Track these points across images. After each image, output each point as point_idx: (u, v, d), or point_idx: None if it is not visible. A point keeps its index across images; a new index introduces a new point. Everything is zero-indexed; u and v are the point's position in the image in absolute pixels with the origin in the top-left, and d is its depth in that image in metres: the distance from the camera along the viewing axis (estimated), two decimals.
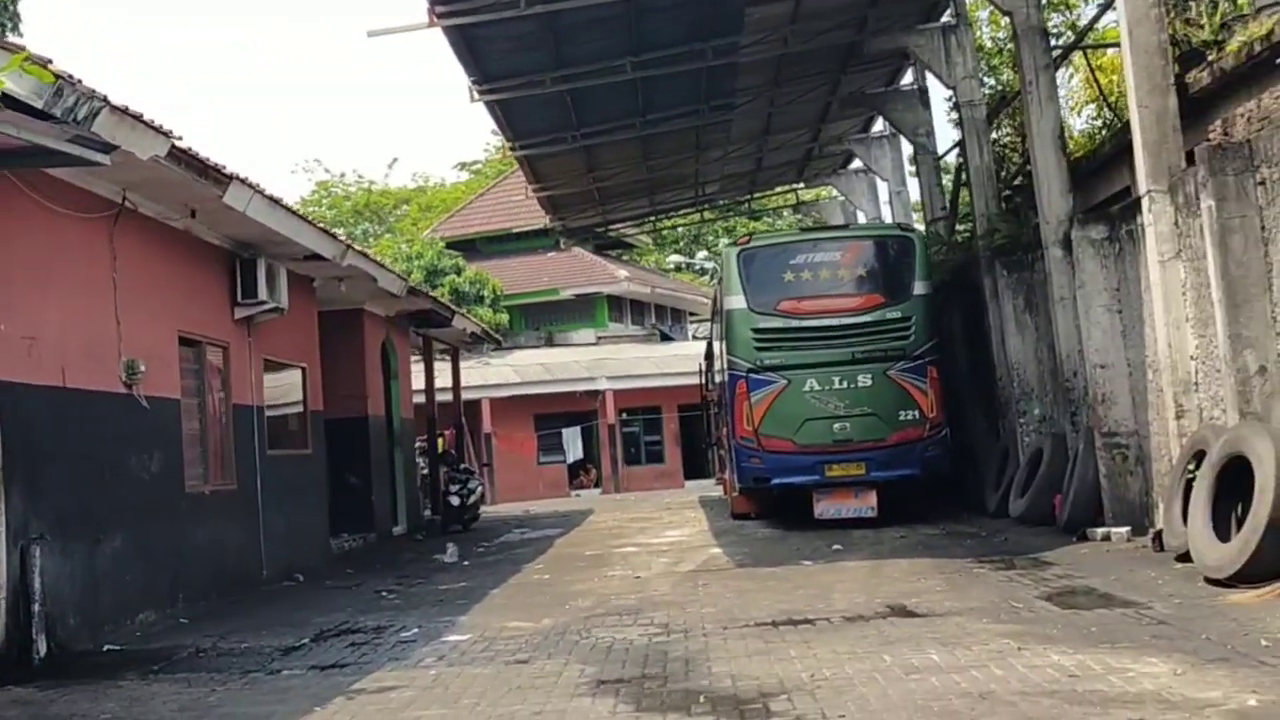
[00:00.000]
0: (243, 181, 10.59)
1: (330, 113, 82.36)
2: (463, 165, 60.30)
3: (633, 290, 38.64)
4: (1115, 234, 11.98)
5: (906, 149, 22.12)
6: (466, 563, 15.11)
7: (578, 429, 34.77)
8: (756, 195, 28.70)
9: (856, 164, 25.37)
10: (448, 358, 26.05)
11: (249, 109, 79.46)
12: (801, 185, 27.22)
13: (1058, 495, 13.34)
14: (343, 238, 13.69)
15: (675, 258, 53.47)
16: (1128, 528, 11.71)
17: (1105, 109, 15.71)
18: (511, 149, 19.50)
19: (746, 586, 10.64)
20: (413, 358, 26.44)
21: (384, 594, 12.14)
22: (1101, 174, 13.78)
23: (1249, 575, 7.99)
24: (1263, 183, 8.88)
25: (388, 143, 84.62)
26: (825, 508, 15.68)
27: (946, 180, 20.34)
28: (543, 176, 22.13)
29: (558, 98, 17.76)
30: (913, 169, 22.20)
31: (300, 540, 14.17)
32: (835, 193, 26.68)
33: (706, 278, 54.64)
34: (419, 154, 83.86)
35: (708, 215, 55.29)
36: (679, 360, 35.12)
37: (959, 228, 18.67)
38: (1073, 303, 13.21)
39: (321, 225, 13.00)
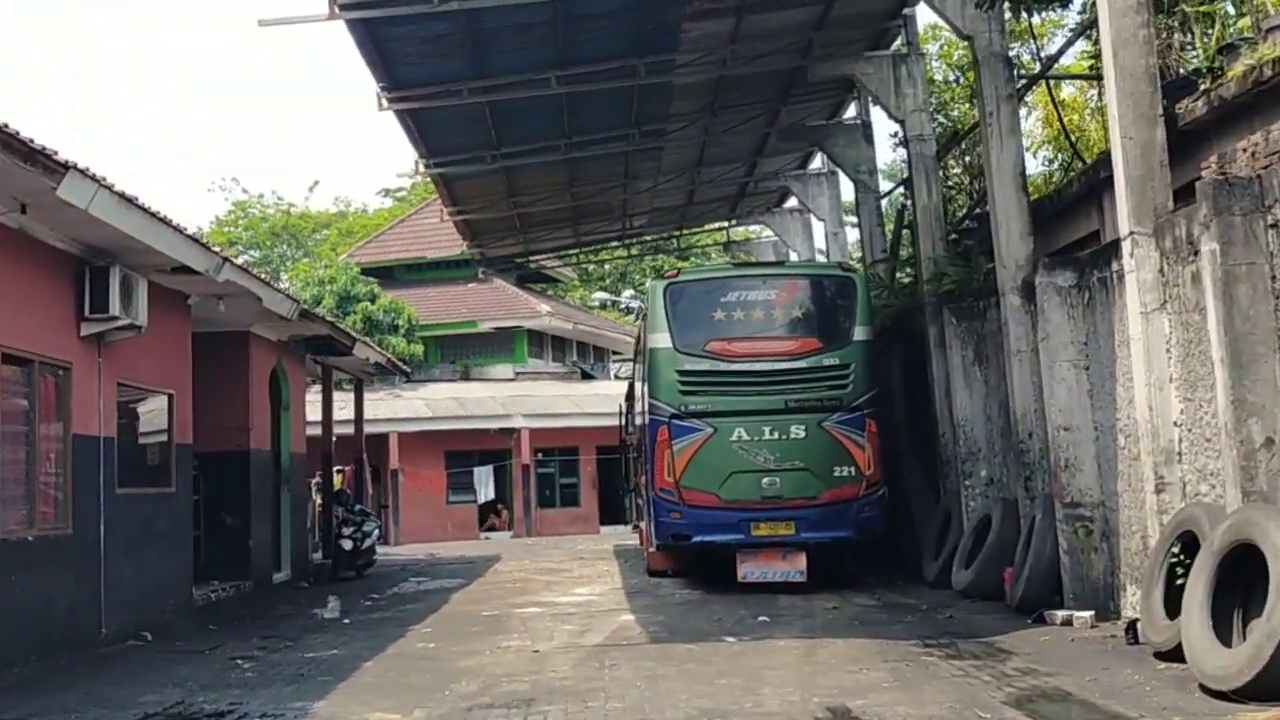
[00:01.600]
0: (82, 173, 8.96)
1: (248, 130, 80.00)
2: (386, 191, 58.52)
3: (554, 326, 37.10)
4: (1085, 281, 10.76)
5: (845, 188, 20.99)
6: (347, 620, 13.42)
7: (490, 468, 33.05)
8: (686, 231, 27.38)
9: (792, 202, 24.17)
10: (353, 389, 24.36)
11: (162, 119, 76.92)
12: (734, 223, 25.97)
13: (1008, 569, 12.03)
14: (218, 249, 12.02)
15: (600, 295, 52.08)
16: (1090, 612, 10.41)
17: (1066, 149, 14.61)
18: (426, 166, 17.95)
19: (661, 670, 9.12)
20: (314, 388, 24.75)
21: (239, 661, 10.43)
22: (1064, 218, 12.64)
23: (1260, 690, 6.67)
24: (1275, 225, 7.65)
25: (309, 164, 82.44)
26: (750, 570, 14.26)
27: (887, 223, 19.16)
28: (460, 199, 20.61)
29: (477, 111, 16.29)
30: (851, 209, 21.06)
31: (154, 591, 12.40)
32: (769, 232, 25.45)
33: (631, 317, 53.46)
34: (342, 178, 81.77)
35: (634, 252, 54.39)
36: (600, 400, 33.61)
37: (900, 272, 17.47)
38: (1030, 356, 11.98)
39: (192, 234, 11.33)
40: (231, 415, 15.99)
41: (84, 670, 10.02)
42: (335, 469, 22.86)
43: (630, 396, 24.05)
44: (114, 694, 8.88)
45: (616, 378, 37.88)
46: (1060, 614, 10.57)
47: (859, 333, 14.48)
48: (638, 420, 20.12)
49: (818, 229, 23.12)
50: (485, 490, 32.85)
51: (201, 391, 14.92)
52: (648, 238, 28.47)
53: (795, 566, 14.18)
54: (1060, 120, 14.20)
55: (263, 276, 13.66)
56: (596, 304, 50.12)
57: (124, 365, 11.78)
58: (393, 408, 32.34)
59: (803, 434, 14.16)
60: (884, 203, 19.51)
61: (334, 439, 22.65)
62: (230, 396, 16.04)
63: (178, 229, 10.98)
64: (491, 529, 32.90)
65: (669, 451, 14.34)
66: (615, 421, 30.73)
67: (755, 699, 7.91)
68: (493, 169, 18.91)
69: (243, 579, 15.76)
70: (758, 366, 14.32)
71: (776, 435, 14.16)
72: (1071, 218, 12.45)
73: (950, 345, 13.90)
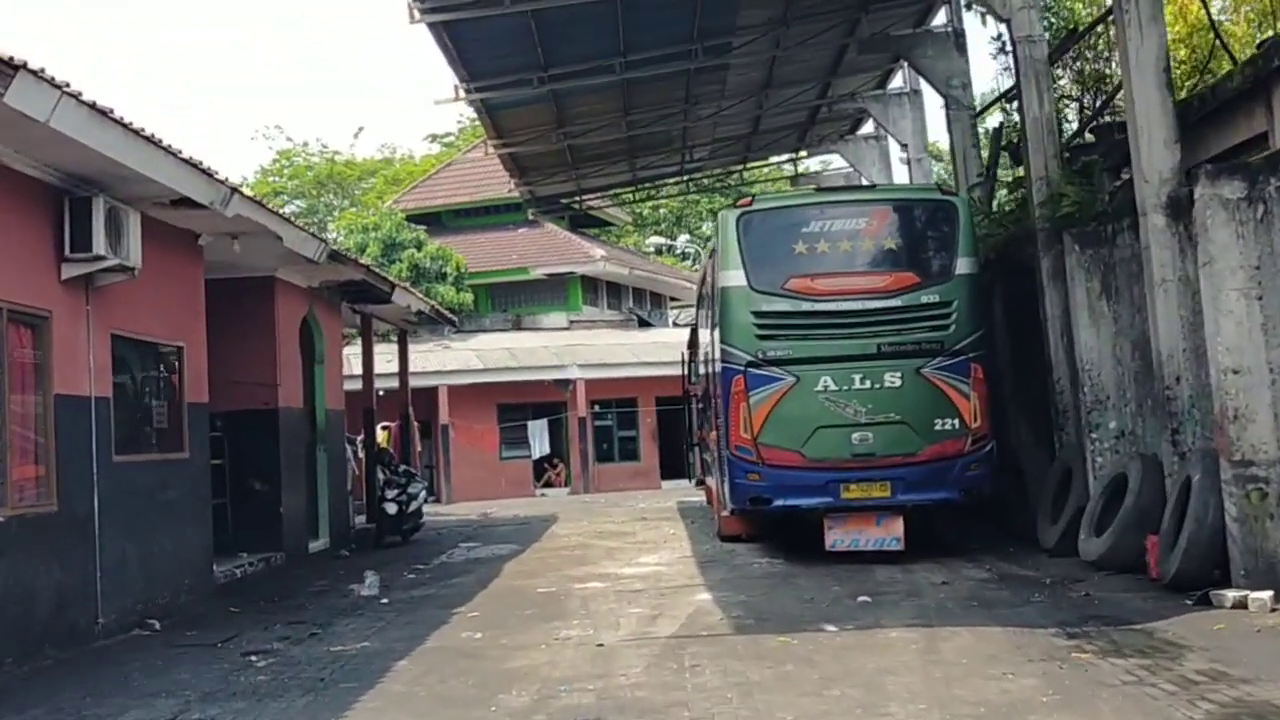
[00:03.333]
0: (37, 75, 7.30)
1: (294, 77, 78.56)
2: (433, 137, 56.87)
3: (609, 271, 35.35)
4: (1260, 192, 8.84)
5: (929, 109, 18.98)
6: (385, 600, 11.87)
7: (545, 421, 31.46)
8: (750, 165, 25.43)
9: (868, 128, 22.17)
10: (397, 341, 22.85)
11: (206, 70, 75.61)
12: (803, 154, 23.97)
13: (1151, 537, 10.20)
14: (226, 179, 10.38)
15: (655, 240, 50.27)
16: (1269, 593, 8.59)
17: (1199, 48, 12.55)
18: (466, 91, 16.19)
19: (754, 674, 7.44)
20: (352, 337, 23.26)
21: (254, 658, 8.89)
22: (1216, 121, 10.65)
23: None
24: None
25: (355, 111, 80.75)
26: (839, 537, 12.54)
27: (982, 145, 17.12)
28: (505, 130, 18.85)
29: (521, 25, 14.51)
30: (928, 135, 19.06)
31: (164, 572, 10.91)
32: (840, 162, 23.45)
33: (688, 262, 51.55)
34: (387, 124, 80.00)
35: (691, 195, 52.58)
36: (659, 348, 31.90)
37: (1002, 195, 15.50)
38: (1178, 286, 10.11)
39: (191, 158, 9.67)
40: (257, 370, 14.47)
41: (68, 674, 8.52)
42: (379, 426, 21.38)
43: (693, 344, 22.30)
44: (91, 709, 7.36)
45: (675, 325, 36.12)
46: (1230, 594, 8.75)
47: (962, 265, 12.61)
48: (704, 369, 18.40)
49: (896, 158, 21.12)
50: (540, 445, 31.29)
51: (221, 345, 13.41)
52: (708, 173, 26.52)
53: (891, 533, 12.44)
54: (1205, 7, 12.12)
55: (282, 212, 12.01)
56: (651, 249, 48.33)
57: (119, 314, 10.22)
58: (441, 360, 30.83)
59: (899, 382, 12.37)
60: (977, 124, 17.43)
61: (377, 394, 21.15)
62: (255, 349, 14.52)
63: (171, 151, 9.33)
64: (548, 485, 31.42)
65: (745, 404, 12.61)
66: (677, 371, 29.09)
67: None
68: (540, 94, 17.14)
69: (274, 550, 14.30)
70: (846, 305, 12.52)
71: (868, 384, 12.38)
72: (1226, 121, 10.48)
73: (1072, 277, 11.98)
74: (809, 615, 9.54)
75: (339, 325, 17.73)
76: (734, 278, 12.80)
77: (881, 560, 12.30)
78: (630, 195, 28.32)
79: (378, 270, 16.86)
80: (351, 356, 23.13)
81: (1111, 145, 12.38)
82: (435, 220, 37.02)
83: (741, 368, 12.65)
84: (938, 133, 19.45)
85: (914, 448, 12.36)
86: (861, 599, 10.11)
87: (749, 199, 13.26)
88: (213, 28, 75.84)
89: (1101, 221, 11.84)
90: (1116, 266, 11.64)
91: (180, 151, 9.47)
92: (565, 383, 30.80)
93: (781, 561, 12.87)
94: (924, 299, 12.51)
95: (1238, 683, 6.64)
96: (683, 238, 53.20)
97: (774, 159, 24.06)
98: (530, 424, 31.26)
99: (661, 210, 53.46)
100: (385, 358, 24.25)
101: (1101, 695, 6.50)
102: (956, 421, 12.39)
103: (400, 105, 77.53)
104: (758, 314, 12.65)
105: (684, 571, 12.77)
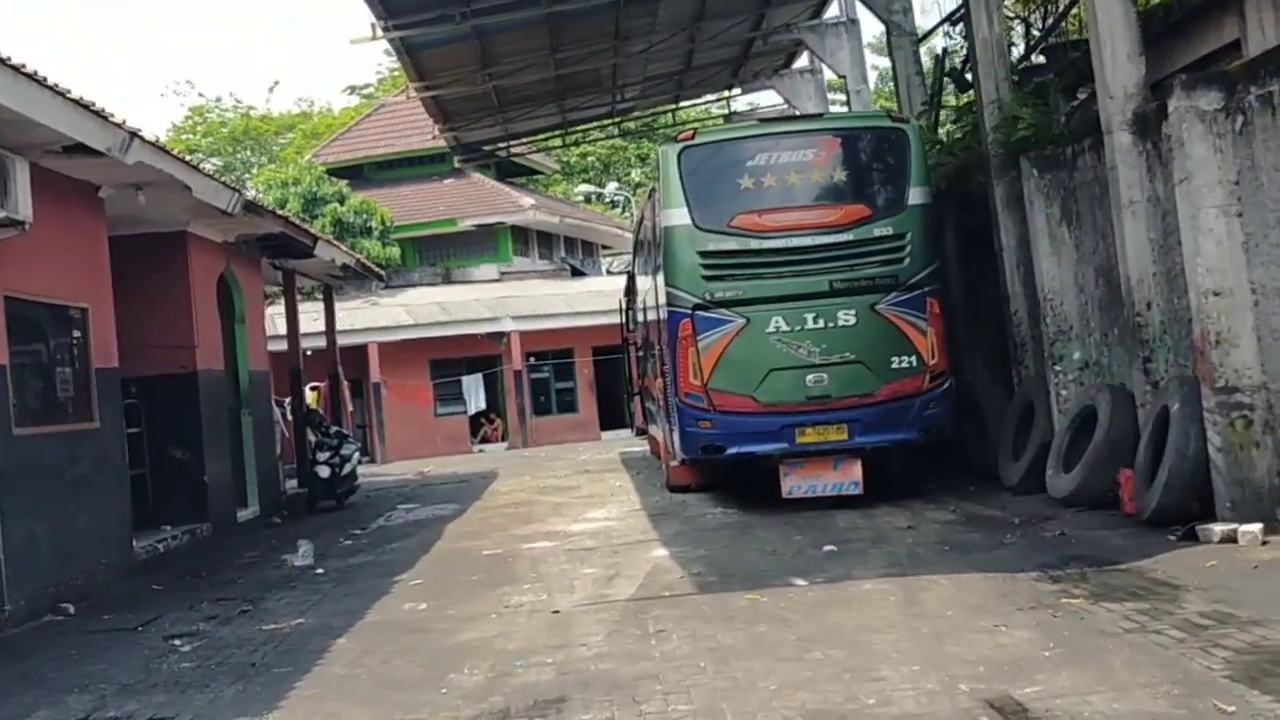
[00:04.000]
0: None
1: (203, 32, 75.95)
2: (352, 89, 55.49)
3: (540, 220, 34.48)
4: (1238, 102, 8.34)
5: (867, 36, 18.34)
6: (320, 570, 11.15)
7: (479, 376, 30.67)
8: (682, 105, 24.67)
9: (802, 61, 21.51)
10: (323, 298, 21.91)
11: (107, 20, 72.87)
12: (737, 91, 23.25)
13: (1125, 471, 9.78)
14: (123, 122, 9.47)
15: (584, 187, 49.43)
16: (1258, 525, 8.17)
17: None
18: (384, 29, 15.26)
19: (726, 638, 6.86)
20: (275, 297, 22.31)
21: (177, 642, 8.17)
22: (1183, 31, 10.16)
23: None
24: None
25: (269, 65, 78.40)
26: (796, 483, 12.02)
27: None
28: (427, 71, 17.92)
29: None
30: (873, 60, 18.43)
31: (78, 551, 10.08)
32: (774, 98, 22.78)
33: (617, 210, 50.74)
34: (304, 77, 77.78)
35: (619, 140, 51.60)
36: (594, 297, 31.18)
37: (948, 123, 14.95)
38: (1147, 207, 9.63)
39: (80, 98, 8.76)
40: (172, 331, 13.58)
41: None
42: (308, 386, 20.52)
43: (630, 290, 21.65)
44: None
45: (609, 273, 35.48)
46: (1218, 528, 8.31)
47: (915, 195, 12.05)
48: (645, 315, 17.78)
49: (833, 92, 20.48)
50: (476, 400, 30.52)
51: (132, 306, 12.59)
52: (639, 114, 25.73)
53: (849, 477, 11.95)
54: None
55: (189, 159, 11.10)
56: (580, 198, 47.45)
57: (13, 274, 9.32)
58: (370, 316, 29.90)
59: (853, 320, 11.82)
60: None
61: (304, 354, 20.27)
62: (169, 310, 13.62)
63: (59, 91, 8.42)
64: (485, 441, 30.70)
65: (693, 349, 12.00)
66: (613, 320, 28.32)
67: (875, 687, 5.64)
68: (462, 31, 16.24)
69: (199, 521, 13.50)
70: (795, 241, 11.92)
71: (821, 323, 11.82)
72: (1194, 31, 9.98)
73: (1030, 203, 11.46)
74: (774, 569, 8.99)
75: (259, 282, 16.81)
76: (677, 216, 12.13)
77: (840, 505, 11.83)
78: (560, 140, 27.44)
79: (298, 223, 15.92)
80: (276, 317, 22.18)
81: (1065, 65, 11.87)
82: (358, 173, 35.83)
83: (688, 311, 12.02)
84: (874, 63, 18.82)
85: (870, 388, 11.84)
86: (827, 548, 9.59)
87: (690, 132, 12.56)
88: None
89: (1059, 144, 11.33)
90: (1077, 190, 11.14)
91: (69, 91, 8.57)
92: (499, 335, 30.02)
93: (736, 511, 12.34)
94: (876, 232, 11.95)
95: (1247, 625, 6.18)
96: (611, 185, 52.41)
97: (707, 97, 23.29)
98: (464, 379, 30.49)
99: (590, 158, 52.53)
100: (311, 316, 23.29)
101: (1107, 647, 6.00)
102: (914, 359, 11.89)
103: (316, 57, 75.47)
104: (703, 254, 12.02)
105: (635, 526, 12.19)
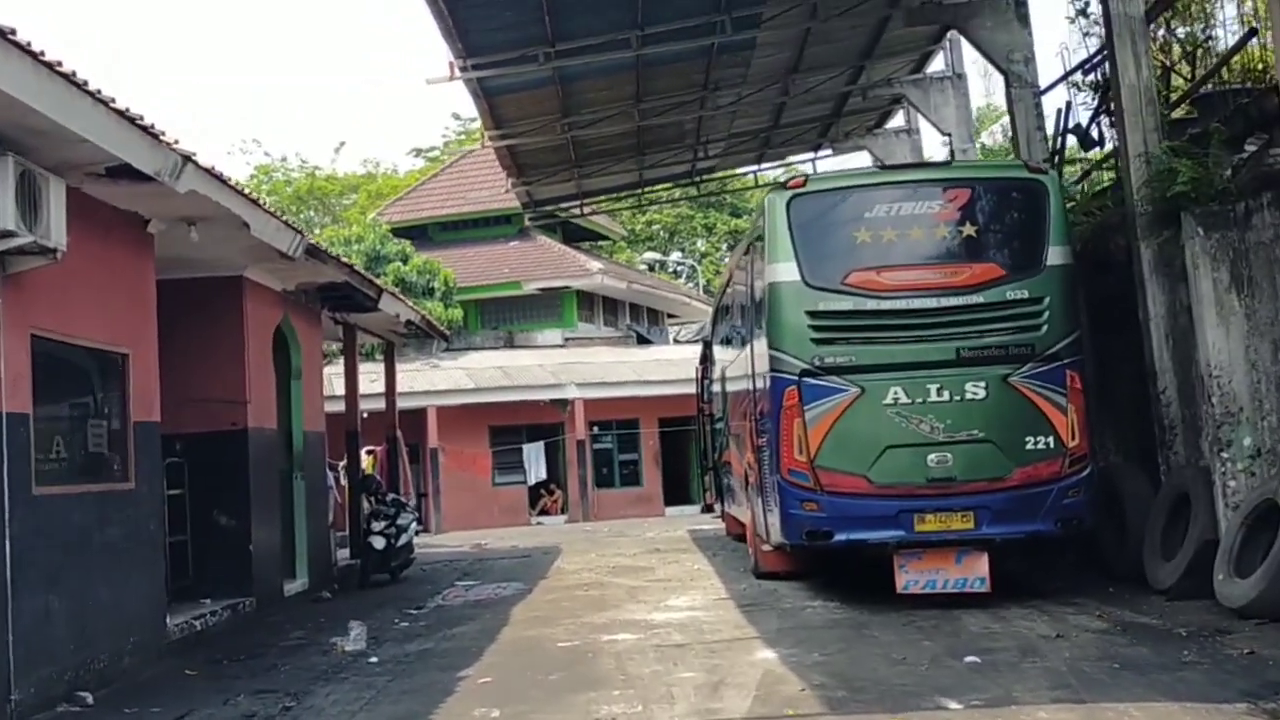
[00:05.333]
0: None
1: (272, 90, 76.59)
2: (418, 151, 55.14)
3: (607, 285, 33.43)
4: None
5: (974, 92, 17.08)
6: (374, 659, 9.83)
7: (541, 445, 29.45)
8: (764, 166, 23.51)
9: (897, 120, 20.35)
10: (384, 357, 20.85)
11: (183, 83, 73.61)
12: (826, 153, 22.06)
13: None
14: (176, 142, 8.38)
15: (649, 255, 48.51)
16: None
17: None
18: (462, 69, 14.24)
19: None
20: (333, 356, 21.33)
21: None
22: None
23: None
24: None
25: (335, 126, 78.79)
26: (914, 577, 10.57)
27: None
28: (503, 119, 16.90)
29: None
30: (976, 117, 17.15)
31: (100, 630, 8.84)
32: (866, 161, 21.56)
33: (680, 280, 49.67)
34: (370, 139, 78.11)
35: (684, 210, 50.71)
36: (660, 366, 30.05)
37: (1074, 183, 13.62)
38: None
39: (129, 112, 7.68)
40: (222, 385, 12.44)
41: None
42: (364, 450, 19.36)
43: (705, 358, 20.44)
44: None
45: (676, 341, 34.24)
46: None
47: (1054, 254, 10.69)
48: (724, 386, 16.50)
49: (931, 151, 19.26)
50: (536, 469, 29.26)
51: (181, 356, 11.51)
52: (718, 175, 24.62)
53: (975, 572, 10.48)
54: None
55: (248, 193, 10.01)
56: (644, 266, 46.47)
57: (41, 310, 8.19)
58: (430, 379, 28.86)
59: (982, 393, 10.44)
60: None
61: (362, 416, 19.14)
62: (221, 362, 12.50)
63: (101, 100, 7.33)
64: (544, 512, 29.40)
65: (799, 420, 10.64)
66: (680, 390, 27.16)
67: None
68: (544, 75, 15.23)
69: (243, 595, 12.24)
70: (918, 303, 10.60)
71: (947, 396, 10.45)
72: None
73: (1195, 265, 10.05)
74: (912, 683, 7.55)
75: (318, 336, 15.71)
76: (784, 271, 10.85)
77: (961, 604, 10.36)
78: (634, 200, 26.35)
79: (363, 273, 14.84)
80: (333, 376, 21.15)
81: (1230, 113, 10.51)
82: (421, 233, 35.14)
83: (795, 377, 10.69)
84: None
85: (1001, 471, 10.41)
86: (969, 659, 8.13)
87: (801, 179, 11.31)
88: (183, 34, 73.88)
89: (1227, 200, 9.96)
90: (1250, 253, 9.74)
91: (113, 101, 7.48)
92: (562, 403, 28.82)
93: (840, 605, 10.89)
94: (1010, 295, 10.59)
95: None
96: (675, 254, 51.44)
97: (791, 159, 22.14)
98: (525, 447, 29.28)
99: (655, 226, 51.72)
100: (370, 377, 22.25)
101: None
102: (1051, 439, 10.45)
103: (384, 119, 75.75)
104: (814, 314, 10.71)
105: (727, 618, 10.76)
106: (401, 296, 17.78)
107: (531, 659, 9.29)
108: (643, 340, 34.12)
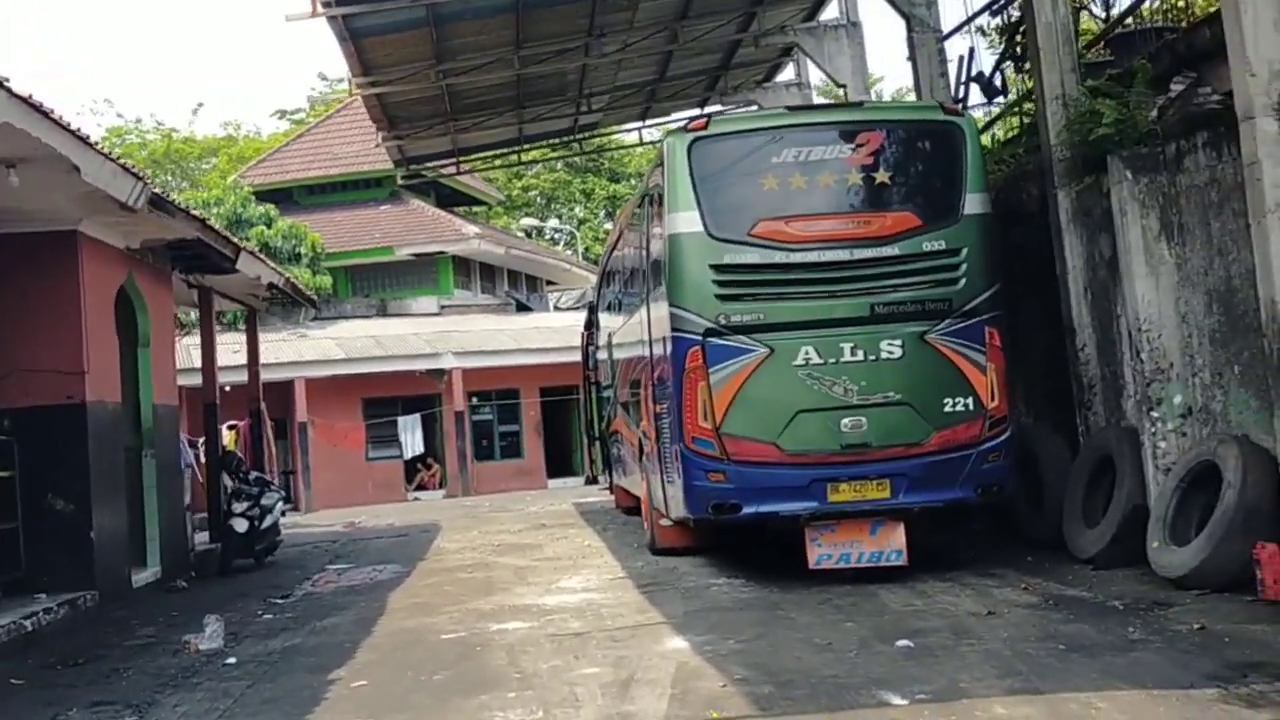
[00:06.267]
0: None
1: (126, 47, 72.86)
2: (282, 113, 52.88)
3: (484, 251, 32.21)
4: None
5: (870, 40, 16.41)
6: (232, 659, 8.67)
7: (417, 417, 28.20)
8: (648, 122, 22.55)
9: (787, 74, 19.63)
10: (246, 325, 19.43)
11: (30, 39, 69.55)
12: (715, 108, 21.14)
13: (1265, 546, 7.73)
14: None
15: (527, 221, 47.28)
16: None
17: None
18: (325, 4, 12.95)
19: None
20: (191, 326, 19.87)
21: None
22: None
23: None
24: None
25: (193, 86, 75.34)
26: (827, 551, 9.83)
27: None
28: (373, 63, 15.61)
29: None
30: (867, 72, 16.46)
31: None
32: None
33: (560, 246, 48.54)
34: (230, 100, 74.83)
35: (561, 175, 49.53)
36: (540, 334, 29.06)
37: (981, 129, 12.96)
38: None
39: None
40: (57, 354, 11.07)
41: None
42: (225, 425, 17.97)
43: (591, 324, 19.50)
44: None
45: (557, 309, 33.24)
46: None
47: (972, 203, 9.98)
48: (612, 353, 15.62)
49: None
50: (412, 443, 28.01)
51: (6, 319, 10.14)
52: (600, 131, 23.60)
53: (891, 544, 9.78)
54: None
55: (79, 131, 8.68)
56: (521, 232, 45.25)
57: None
58: (298, 349, 27.37)
59: (898, 352, 9.72)
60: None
61: (222, 389, 17.75)
62: (54, 327, 11.11)
63: None
64: (421, 488, 28.21)
65: (704, 384, 9.78)
66: (561, 359, 26.19)
67: None
68: (416, 15, 14.04)
69: (84, 588, 10.93)
70: (830, 255, 9.81)
71: (861, 355, 9.70)
72: None
73: (1123, 213, 9.42)
74: (843, 673, 6.74)
75: (169, 300, 14.30)
76: (686, 222, 9.95)
77: (875, 578, 9.67)
78: (516, 158, 25.17)
79: (218, 229, 13.49)
80: (191, 349, 19.67)
81: (1157, 50, 9.92)
82: (286, 197, 33.43)
83: (698, 337, 9.81)
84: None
85: (919, 435, 9.72)
86: (900, 643, 7.36)
87: (703, 120, 10.33)
88: None
89: (1154, 142, 9.35)
90: (1181, 198, 9.15)
91: None
92: (439, 373, 27.60)
93: (747, 583, 10.09)
94: (927, 246, 9.86)
95: None
96: (553, 221, 50.29)
97: (676, 115, 21.22)
98: (400, 420, 28.00)
99: (533, 192, 50.50)
100: (231, 348, 20.82)
101: None
102: (970, 401, 9.78)
103: (245, 80, 72.68)
104: (718, 268, 9.84)
105: (627, 601, 9.87)
106: (262, 257, 16.43)
107: (412, 655, 8.27)
108: (522, 307, 33.04)
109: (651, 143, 24.32)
